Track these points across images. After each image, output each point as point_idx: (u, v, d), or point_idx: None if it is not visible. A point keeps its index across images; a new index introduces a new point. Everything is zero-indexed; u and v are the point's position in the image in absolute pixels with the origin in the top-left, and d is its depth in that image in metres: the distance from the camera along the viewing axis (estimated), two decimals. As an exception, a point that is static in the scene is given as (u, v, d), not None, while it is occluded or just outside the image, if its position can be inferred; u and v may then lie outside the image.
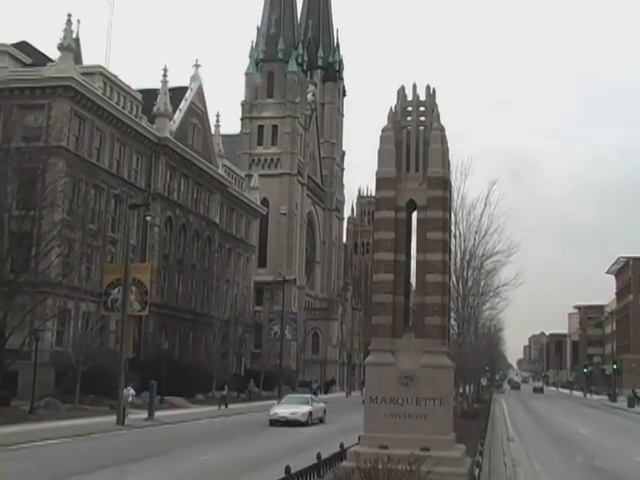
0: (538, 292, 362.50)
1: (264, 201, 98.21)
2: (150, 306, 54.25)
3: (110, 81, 57.49)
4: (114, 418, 36.41)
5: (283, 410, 39.36)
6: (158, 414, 41.20)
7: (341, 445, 17.14)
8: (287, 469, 12.87)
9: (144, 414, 40.32)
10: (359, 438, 16.89)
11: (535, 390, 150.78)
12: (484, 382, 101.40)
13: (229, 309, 74.72)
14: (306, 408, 39.77)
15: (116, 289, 48.40)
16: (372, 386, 16.61)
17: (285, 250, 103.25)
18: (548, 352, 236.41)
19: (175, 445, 28.56)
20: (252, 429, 36.84)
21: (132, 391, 41.98)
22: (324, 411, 42.33)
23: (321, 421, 41.05)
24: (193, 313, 68.86)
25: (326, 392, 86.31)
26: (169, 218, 65.80)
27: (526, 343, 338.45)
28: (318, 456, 15.09)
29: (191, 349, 67.86)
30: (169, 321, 64.38)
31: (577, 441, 34.97)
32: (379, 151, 17.29)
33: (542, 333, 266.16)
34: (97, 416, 39.57)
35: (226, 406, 54.39)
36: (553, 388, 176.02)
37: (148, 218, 57.71)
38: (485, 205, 36.88)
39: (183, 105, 70.00)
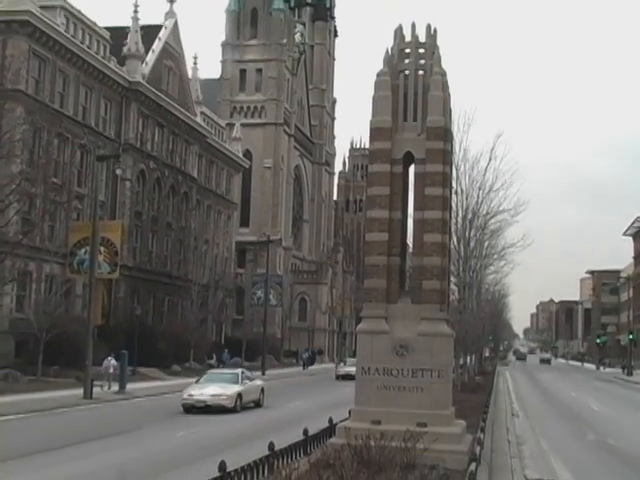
0: (548, 255, 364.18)
1: (247, 153, 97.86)
2: (121, 268, 54.28)
3: (73, 17, 56.77)
4: (81, 391, 36.57)
5: (202, 391, 32.35)
6: (130, 387, 41.43)
7: (330, 420, 17.29)
8: (271, 446, 13.02)
9: (115, 387, 40.55)
10: (350, 412, 17.04)
11: (542, 361, 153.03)
12: (487, 353, 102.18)
13: (208, 272, 74.87)
14: (234, 388, 32.84)
15: (83, 249, 48.40)
16: (364, 356, 16.76)
17: (270, 208, 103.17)
18: (557, 321, 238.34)
19: (148, 421, 28.75)
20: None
21: (114, 361, 42.20)
22: (262, 391, 35.91)
23: (257, 405, 34.94)
24: (169, 276, 68.96)
25: (312, 363, 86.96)
26: (142, 171, 65.53)
27: (533, 311, 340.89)
28: (305, 432, 15.25)
29: (166, 316, 68.07)
30: (142, 285, 64.46)
31: (588, 417, 35.37)
32: (373, 98, 17.23)
33: (551, 300, 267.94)
34: (62, 389, 39.71)
35: None
36: (562, 360, 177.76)
37: (118, 171, 57.46)
38: (490, 159, 36.93)
39: (156, 45, 69.35)
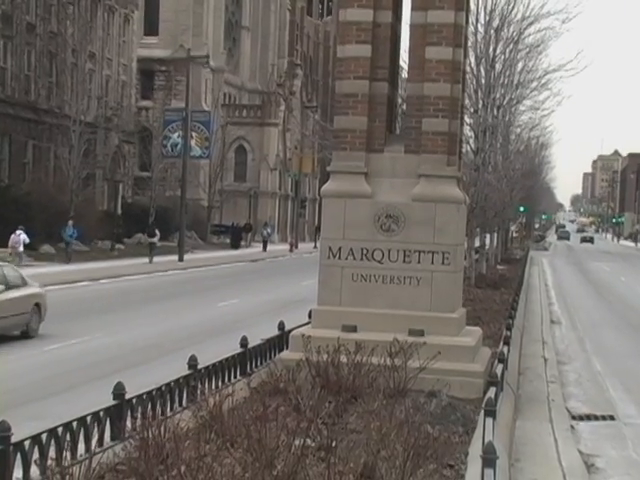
0: (611, 84, 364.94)
1: None
2: (-40, 97, 53.75)
3: None
4: None
5: None
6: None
7: (281, 325, 17.44)
8: (192, 363, 13.20)
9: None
10: (310, 314, 17.25)
11: (584, 240, 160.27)
12: (515, 232, 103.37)
13: (96, 104, 74.25)
14: None
15: None
16: (332, 231, 16.87)
17: (190, 6, 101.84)
18: (624, 184, 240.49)
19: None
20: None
21: (24, 236, 42.77)
22: (37, 306, 27.50)
23: (25, 334, 26.78)
24: (33, 109, 68.35)
25: (236, 246, 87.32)
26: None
27: (588, 170, 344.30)
28: (243, 343, 15.43)
29: (31, 171, 67.82)
30: (-7, 123, 64.08)
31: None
32: None
33: (616, 152, 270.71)
34: None
35: (150, 260, 59.25)
36: (629, 243, 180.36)
37: None
38: None
39: None
